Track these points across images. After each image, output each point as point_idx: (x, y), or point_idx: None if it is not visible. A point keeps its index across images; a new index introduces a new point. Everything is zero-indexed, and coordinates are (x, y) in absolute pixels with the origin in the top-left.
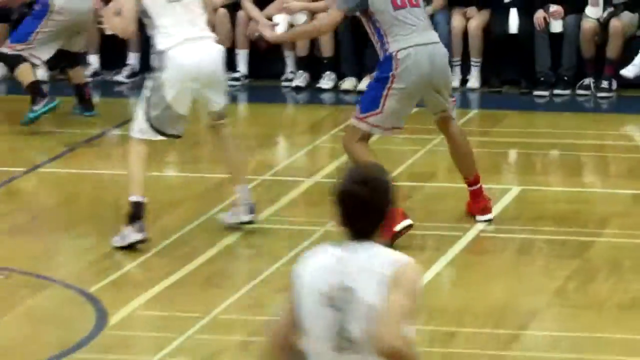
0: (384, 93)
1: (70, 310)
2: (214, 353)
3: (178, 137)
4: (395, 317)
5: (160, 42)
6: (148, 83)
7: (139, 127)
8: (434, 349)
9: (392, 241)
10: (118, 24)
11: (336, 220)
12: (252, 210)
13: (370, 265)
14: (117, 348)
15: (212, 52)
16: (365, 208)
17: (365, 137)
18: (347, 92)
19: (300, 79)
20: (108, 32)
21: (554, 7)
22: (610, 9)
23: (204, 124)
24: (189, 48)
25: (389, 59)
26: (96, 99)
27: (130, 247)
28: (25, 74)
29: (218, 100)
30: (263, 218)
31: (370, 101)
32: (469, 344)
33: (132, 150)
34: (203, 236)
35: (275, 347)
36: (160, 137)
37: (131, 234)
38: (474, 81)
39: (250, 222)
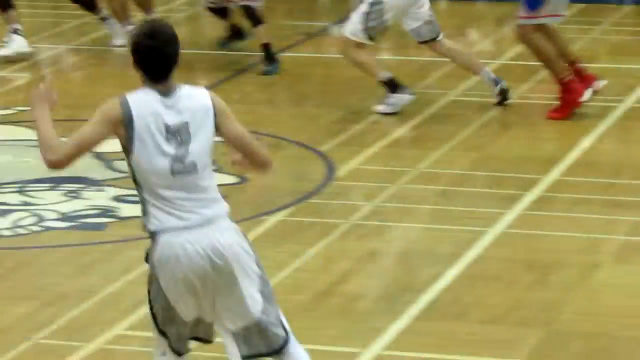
0: None
1: (304, 165)
2: None
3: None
4: (256, 142)
5: None
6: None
7: (351, 30)
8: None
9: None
10: None
11: (137, 70)
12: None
13: (195, 102)
14: (341, 196)
15: None
16: (161, 56)
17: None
18: None
19: None
20: None
21: None
22: None
23: None
24: None
25: None
26: None
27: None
28: None
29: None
30: None
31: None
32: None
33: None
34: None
35: (63, 162)
36: (369, 42)
37: (398, 100)
38: None
39: None
